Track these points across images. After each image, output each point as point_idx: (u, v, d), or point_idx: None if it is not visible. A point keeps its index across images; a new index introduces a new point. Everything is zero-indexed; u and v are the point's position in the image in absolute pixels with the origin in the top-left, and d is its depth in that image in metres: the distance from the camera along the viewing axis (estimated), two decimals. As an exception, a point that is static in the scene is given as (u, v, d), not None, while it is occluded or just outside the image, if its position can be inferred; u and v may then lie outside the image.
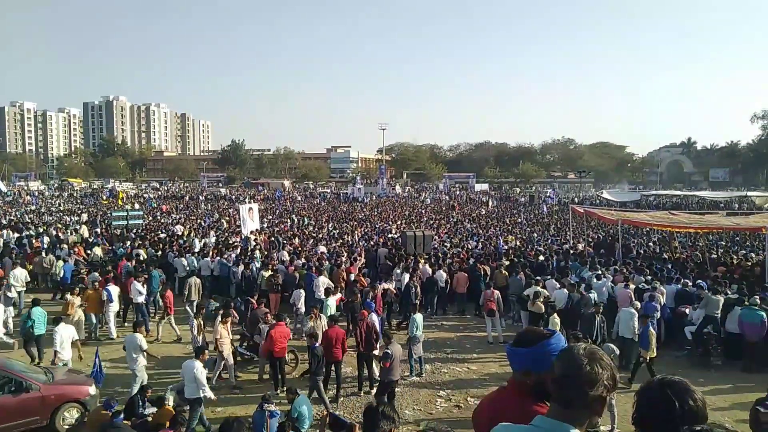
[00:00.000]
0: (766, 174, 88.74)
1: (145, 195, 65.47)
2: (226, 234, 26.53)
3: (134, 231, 26.49)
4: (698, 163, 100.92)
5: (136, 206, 42.61)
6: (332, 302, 12.89)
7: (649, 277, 15.08)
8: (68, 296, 13.16)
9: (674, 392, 1.92)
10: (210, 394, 8.60)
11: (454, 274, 16.09)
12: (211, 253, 18.66)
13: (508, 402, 2.29)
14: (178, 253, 18.59)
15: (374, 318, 10.86)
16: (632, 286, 13.66)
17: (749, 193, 44.70)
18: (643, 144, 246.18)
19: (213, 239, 23.70)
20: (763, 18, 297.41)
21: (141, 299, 13.70)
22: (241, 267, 16.80)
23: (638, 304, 12.09)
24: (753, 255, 21.10)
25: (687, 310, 12.84)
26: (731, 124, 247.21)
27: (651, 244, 25.75)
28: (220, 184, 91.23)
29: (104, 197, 59.07)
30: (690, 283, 14.37)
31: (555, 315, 11.98)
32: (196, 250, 19.91)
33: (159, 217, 38.96)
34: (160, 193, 73.08)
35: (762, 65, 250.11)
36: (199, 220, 36.08)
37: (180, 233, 26.56)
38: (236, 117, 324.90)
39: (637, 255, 21.13)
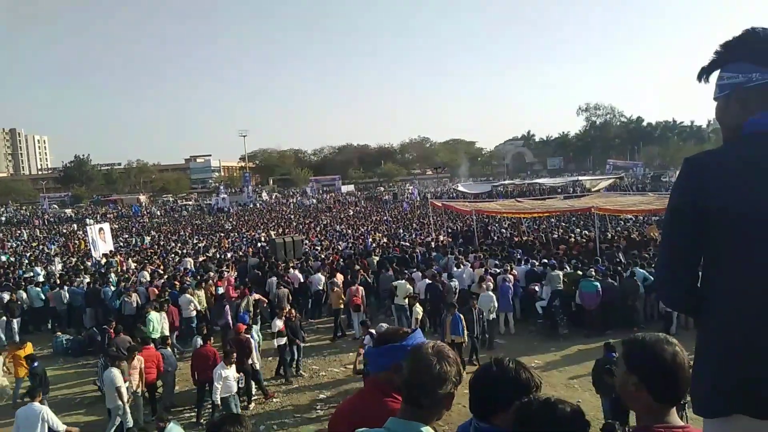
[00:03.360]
0: (593, 160, 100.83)
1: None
2: (75, 259, 24.19)
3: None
4: (537, 154, 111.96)
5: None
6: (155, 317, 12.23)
7: (500, 261, 16.59)
8: None
9: (505, 368, 1.98)
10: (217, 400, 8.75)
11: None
12: (58, 281, 16.93)
13: (371, 405, 2.19)
14: (15, 285, 16.61)
15: (253, 333, 10.68)
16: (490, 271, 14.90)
17: (580, 178, 50.16)
18: (490, 138, 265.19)
19: (59, 266, 21.49)
20: (588, 15, 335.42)
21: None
22: (135, 297, 14.56)
23: (491, 284, 13.29)
24: (586, 233, 23.96)
25: (536, 288, 14.23)
26: (563, 116, 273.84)
27: (503, 230, 28.10)
28: (57, 207, 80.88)
29: None
30: (537, 263, 15.98)
31: (417, 305, 12.73)
32: (40, 279, 17.93)
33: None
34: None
35: (585, 59, 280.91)
36: (41, 246, 32.46)
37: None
38: (78, 130, 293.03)
39: (491, 241, 22.99)
